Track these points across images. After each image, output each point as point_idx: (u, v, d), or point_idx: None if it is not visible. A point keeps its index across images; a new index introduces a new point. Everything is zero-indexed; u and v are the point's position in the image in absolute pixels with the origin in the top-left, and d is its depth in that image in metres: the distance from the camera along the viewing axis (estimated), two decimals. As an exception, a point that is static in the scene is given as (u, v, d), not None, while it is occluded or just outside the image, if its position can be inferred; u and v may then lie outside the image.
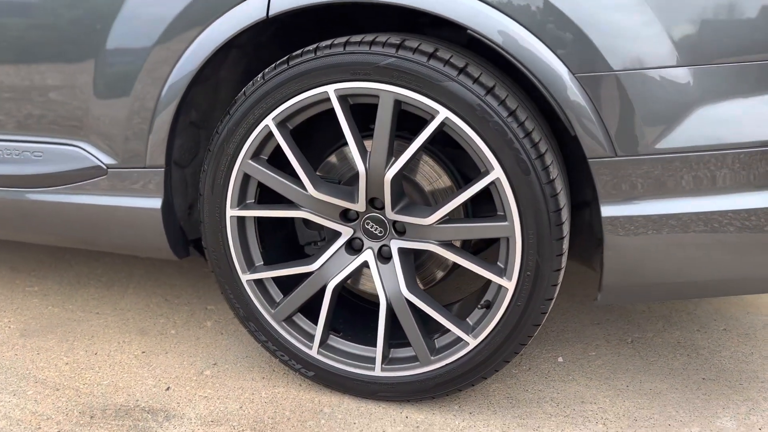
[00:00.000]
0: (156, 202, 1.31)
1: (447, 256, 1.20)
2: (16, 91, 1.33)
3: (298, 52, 1.16)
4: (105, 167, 1.32)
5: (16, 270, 1.92)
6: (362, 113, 1.21)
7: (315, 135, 1.34)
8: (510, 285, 1.14)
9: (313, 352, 1.30)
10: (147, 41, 1.22)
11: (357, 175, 1.20)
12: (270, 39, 1.35)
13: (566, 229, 1.12)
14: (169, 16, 1.19)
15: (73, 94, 1.29)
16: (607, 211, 1.08)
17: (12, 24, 1.31)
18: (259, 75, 1.18)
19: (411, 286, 1.24)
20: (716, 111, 1.01)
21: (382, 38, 1.11)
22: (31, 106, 1.33)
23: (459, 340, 1.22)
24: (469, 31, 1.06)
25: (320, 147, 1.36)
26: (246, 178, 1.25)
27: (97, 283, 1.85)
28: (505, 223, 1.12)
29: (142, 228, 1.34)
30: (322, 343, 1.30)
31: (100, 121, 1.29)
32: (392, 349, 1.29)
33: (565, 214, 1.11)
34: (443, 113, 1.09)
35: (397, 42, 1.10)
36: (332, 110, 1.15)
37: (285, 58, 1.17)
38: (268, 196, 1.30)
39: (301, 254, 1.40)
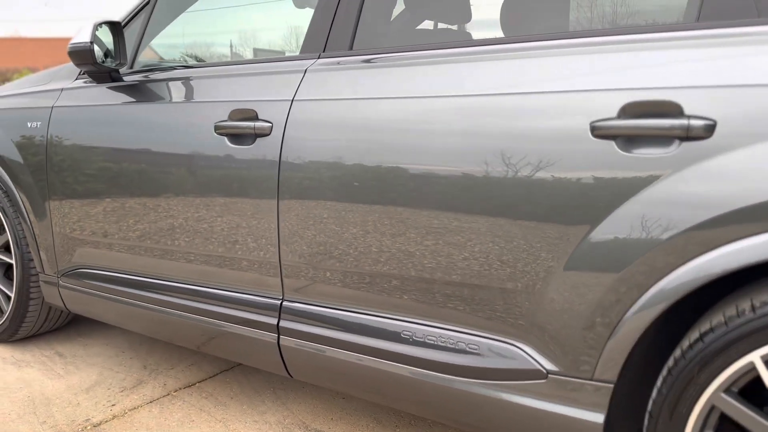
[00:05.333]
0: (598, 417, 1.28)
1: None
2: (467, 287, 1.42)
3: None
4: (545, 372, 1.34)
5: (380, 423, 2.03)
6: None
7: None
8: None
9: None
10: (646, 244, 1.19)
11: None
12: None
13: None
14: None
15: (538, 297, 1.34)
16: None
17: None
18: (747, 308, 1.12)
19: None
20: None
21: None
22: (475, 301, 1.42)
23: None
24: None
25: None
26: (711, 410, 1.17)
27: (462, 452, 1.88)
28: None
29: (578, 439, 1.32)
30: None
31: (548, 322, 1.32)
32: None
33: None
34: None
35: None
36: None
37: (781, 294, 1.09)
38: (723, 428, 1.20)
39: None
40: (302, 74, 1.68)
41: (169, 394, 2.22)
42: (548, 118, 1.29)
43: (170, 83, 2.00)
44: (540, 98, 1.31)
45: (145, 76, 2.10)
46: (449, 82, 1.44)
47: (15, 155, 2.35)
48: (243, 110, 1.75)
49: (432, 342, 1.48)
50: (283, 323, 1.74)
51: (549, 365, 1.33)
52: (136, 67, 2.16)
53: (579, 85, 1.27)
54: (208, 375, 2.37)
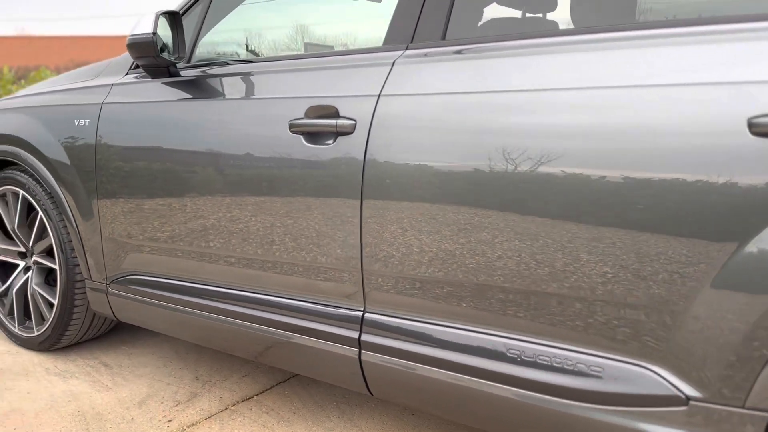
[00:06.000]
0: (751, 449, 1.15)
1: None
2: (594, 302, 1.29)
3: None
4: (685, 398, 1.19)
5: (459, 442, 1.90)
6: None
7: None
8: None
9: None
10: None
11: None
12: None
13: None
14: None
15: (679, 316, 1.20)
16: None
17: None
18: None
19: None
20: None
21: None
22: (601, 319, 1.27)
23: None
24: None
25: None
26: None
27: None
28: None
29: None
30: None
31: (690, 343, 1.17)
32: None
33: None
34: None
35: None
36: None
37: None
38: None
39: None
40: (389, 67, 1.54)
41: (227, 409, 2.09)
42: (694, 113, 1.15)
43: (234, 78, 1.86)
44: (682, 91, 1.16)
45: (203, 71, 1.96)
46: (570, 74, 1.29)
47: (61, 155, 2.22)
48: (321, 107, 1.61)
49: (544, 362, 1.34)
50: (365, 337, 1.60)
51: (690, 391, 1.19)
52: (193, 61, 2.03)
53: (734, 76, 1.13)
54: (264, 387, 2.24)
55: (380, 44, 1.66)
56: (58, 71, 14.48)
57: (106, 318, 2.48)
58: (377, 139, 1.51)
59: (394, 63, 1.54)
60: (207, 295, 1.92)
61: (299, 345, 1.75)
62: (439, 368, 1.48)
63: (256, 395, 2.18)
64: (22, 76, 14.11)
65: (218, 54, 2.15)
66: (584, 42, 1.34)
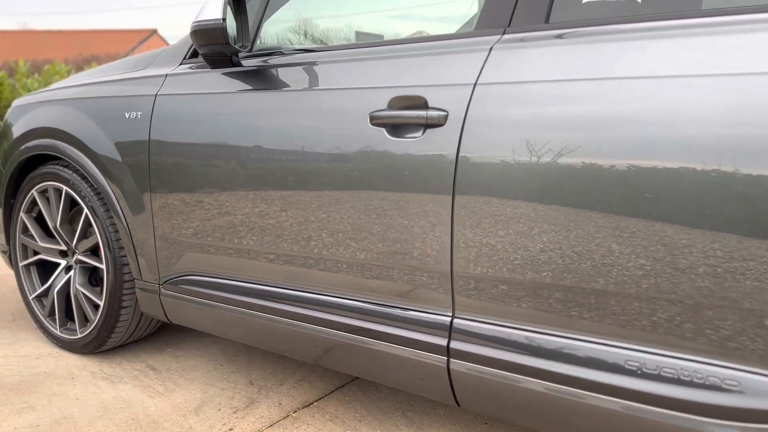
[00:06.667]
0: None
1: None
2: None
3: None
4: (841, 416, 1.09)
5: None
6: None
7: None
8: None
9: None
10: None
11: None
12: None
13: None
14: None
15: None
16: None
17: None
18: None
19: None
20: None
21: None
22: (741, 329, 1.16)
23: None
24: None
25: None
26: None
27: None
28: None
29: None
30: None
31: None
32: None
33: None
34: None
35: None
36: None
37: None
38: None
39: None
40: (486, 53, 1.43)
41: (288, 416, 1.99)
42: None
43: (303, 68, 1.74)
44: None
45: (266, 61, 1.85)
46: (712, 58, 1.18)
47: (110, 149, 2.11)
48: (407, 97, 1.50)
49: (670, 375, 1.23)
50: (454, 344, 1.49)
51: None
52: (255, 50, 1.91)
53: None
54: (323, 392, 2.13)
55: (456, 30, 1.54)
56: (67, 65, 14.37)
57: (152, 319, 2.39)
58: (473, 131, 1.39)
59: (491, 48, 1.43)
60: (277, 297, 1.81)
61: (374, 351, 1.64)
62: (541, 380, 1.37)
63: (316, 401, 2.08)
64: (34, 70, 14.01)
65: (281, 42, 2.04)
66: (712, 25, 1.22)
